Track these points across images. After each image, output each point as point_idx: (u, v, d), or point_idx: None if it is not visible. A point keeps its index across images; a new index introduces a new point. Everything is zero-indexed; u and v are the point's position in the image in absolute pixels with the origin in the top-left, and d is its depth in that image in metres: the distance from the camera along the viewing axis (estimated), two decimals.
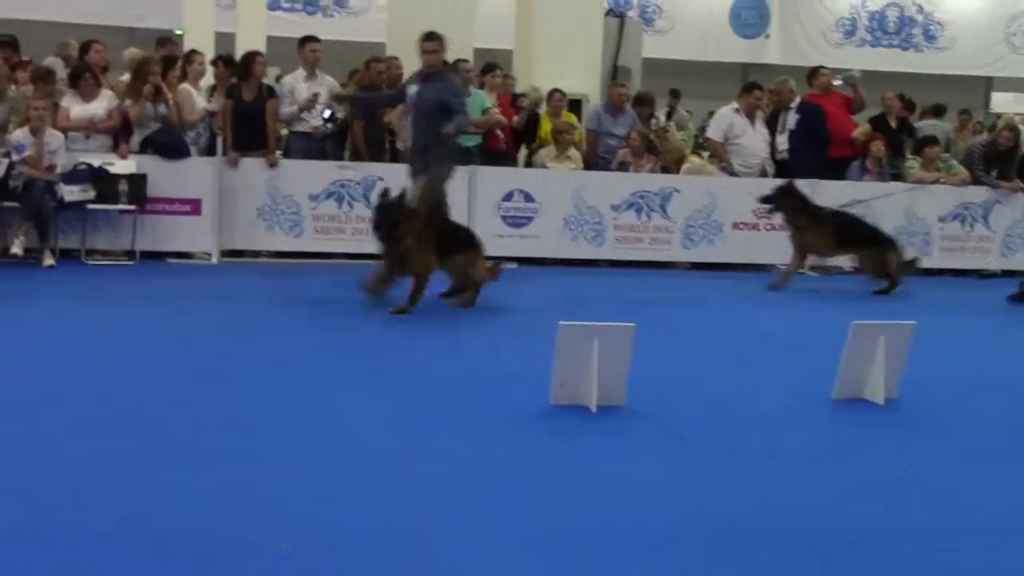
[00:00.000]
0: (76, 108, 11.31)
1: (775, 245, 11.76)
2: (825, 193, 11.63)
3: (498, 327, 8.44)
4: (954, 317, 9.65)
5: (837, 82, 13.16)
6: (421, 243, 8.78)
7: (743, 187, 12.06)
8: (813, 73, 13.34)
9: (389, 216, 8.70)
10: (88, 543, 3.60)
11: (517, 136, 12.92)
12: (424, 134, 9.32)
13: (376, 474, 4.46)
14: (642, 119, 13.05)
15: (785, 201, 10.76)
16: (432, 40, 9.58)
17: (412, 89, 9.59)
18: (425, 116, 9.31)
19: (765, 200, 10.89)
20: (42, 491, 4.05)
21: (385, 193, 8.92)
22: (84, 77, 11.34)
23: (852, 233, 10.78)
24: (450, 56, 11.97)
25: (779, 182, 11.19)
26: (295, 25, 19.64)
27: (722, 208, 12.08)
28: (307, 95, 11.46)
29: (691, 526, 4.03)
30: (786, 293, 10.48)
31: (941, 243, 12.65)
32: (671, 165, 12.64)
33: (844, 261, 11.74)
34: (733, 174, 12.44)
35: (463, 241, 9.36)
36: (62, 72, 11.89)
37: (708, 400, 6.07)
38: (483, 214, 11.78)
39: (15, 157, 10.66)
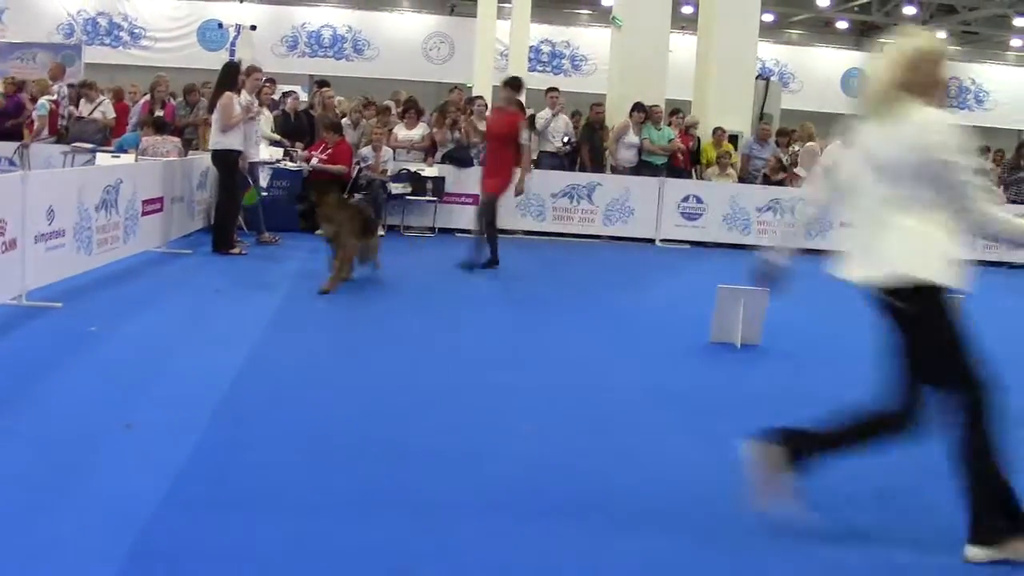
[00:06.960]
0: (402, 133, 14.97)
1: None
2: None
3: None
4: None
5: None
6: None
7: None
8: None
9: None
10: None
11: (692, 157, 16.36)
12: None
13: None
14: (782, 146, 16.33)
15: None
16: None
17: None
18: None
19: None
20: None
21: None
22: (408, 113, 15.23)
23: None
24: (647, 102, 15.56)
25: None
26: (545, 80, 24.68)
27: (834, 212, 15.64)
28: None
29: None
30: None
31: None
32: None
33: None
34: None
35: None
36: (396, 109, 15.75)
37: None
38: (668, 210, 15.45)
39: (363, 164, 14.11)
